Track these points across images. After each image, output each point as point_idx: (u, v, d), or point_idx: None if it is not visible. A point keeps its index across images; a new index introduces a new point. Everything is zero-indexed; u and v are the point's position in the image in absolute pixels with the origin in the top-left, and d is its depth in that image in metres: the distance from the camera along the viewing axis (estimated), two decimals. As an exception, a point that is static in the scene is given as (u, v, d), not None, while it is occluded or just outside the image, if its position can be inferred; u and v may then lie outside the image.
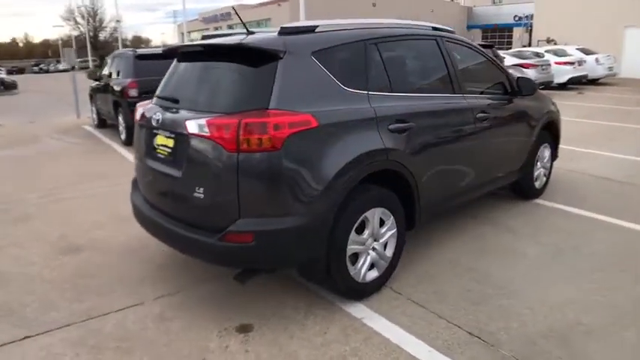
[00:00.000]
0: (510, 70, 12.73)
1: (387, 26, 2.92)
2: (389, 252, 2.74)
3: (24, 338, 2.36)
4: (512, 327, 2.38)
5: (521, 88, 3.74)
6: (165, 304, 2.65)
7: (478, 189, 3.52)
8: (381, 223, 2.65)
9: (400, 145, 2.61)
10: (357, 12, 29.57)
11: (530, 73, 12.38)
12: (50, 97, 17.43)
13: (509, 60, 12.60)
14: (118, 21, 46.18)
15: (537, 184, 4.35)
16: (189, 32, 44.58)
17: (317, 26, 2.52)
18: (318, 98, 2.30)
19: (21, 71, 53.98)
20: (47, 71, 54.30)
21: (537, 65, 12.55)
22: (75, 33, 58.24)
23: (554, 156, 4.62)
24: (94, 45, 53.01)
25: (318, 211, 2.23)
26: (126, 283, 2.90)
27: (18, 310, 2.62)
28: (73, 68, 11.39)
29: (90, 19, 60.56)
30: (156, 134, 2.58)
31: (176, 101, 2.55)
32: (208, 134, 2.17)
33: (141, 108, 2.81)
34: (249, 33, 2.64)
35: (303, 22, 2.54)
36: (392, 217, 2.68)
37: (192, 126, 2.25)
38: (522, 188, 4.27)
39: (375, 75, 2.62)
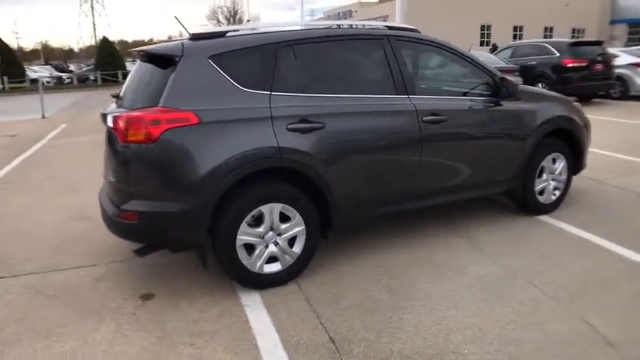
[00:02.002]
0: (623, 71, 10.96)
1: (313, 28, 2.95)
2: (297, 248, 2.81)
3: (-2, 278, 3.05)
4: (380, 341, 2.29)
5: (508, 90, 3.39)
6: (110, 269, 3.13)
7: (435, 197, 3.30)
8: (286, 218, 2.74)
9: (303, 144, 2.66)
10: (473, 6, 27.86)
11: (648, 74, 10.43)
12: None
13: (623, 58, 10.76)
14: (248, 20, 50.65)
15: (543, 199, 3.85)
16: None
17: (228, 31, 2.72)
18: (208, 98, 2.50)
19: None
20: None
21: (660, 64, 10.48)
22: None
23: (576, 169, 4.03)
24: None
25: (195, 200, 2.44)
26: (96, 249, 3.46)
27: (8, 259, 3.33)
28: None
29: (231, 18, 67.35)
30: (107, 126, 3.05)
31: (120, 99, 2.99)
32: (113, 127, 2.55)
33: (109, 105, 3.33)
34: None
35: (217, 28, 2.75)
36: (298, 214, 2.74)
37: (109, 120, 2.65)
38: (521, 202, 3.84)
39: (285, 76, 2.71)
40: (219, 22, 66.73)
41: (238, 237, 2.60)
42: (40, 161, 6.57)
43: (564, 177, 3.94)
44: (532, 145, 3.60)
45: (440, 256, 3.20)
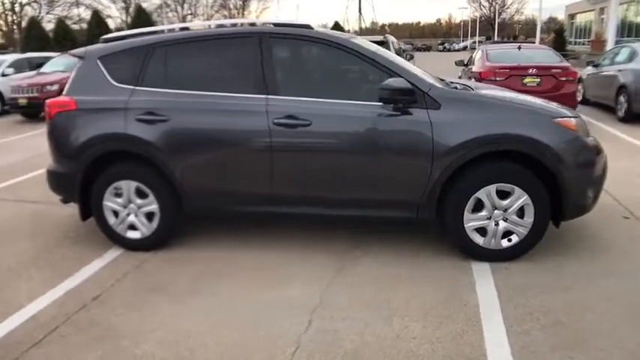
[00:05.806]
0: None
1: (194, 30, 3.23)
2: (154, 223, 3.24)
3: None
4: (88, 330, 2.44)
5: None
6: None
7: (302, 206, 3.07)
8: (145, 195, 3.21)
9: (148, 134, 3.03)
10: None
11: None
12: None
13: None
14: (501, 10, 44.75)
15: (484, 241, 2.91)
16: (571, 15, 37.50)
17: (130, 35, 3.31)
18: (89, 90, 3.20)
19: (428, 49, 62.39)
20: (449, 50, 60.04)
21: None
22: (478, 14, 61.29)
23: (560, 213, 2.76)
24: (493, 26, 54.58)
25: (69, 166, 3.23)
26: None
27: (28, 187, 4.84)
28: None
29: (493, 1, 61.70)
30: None
31: None
32: None
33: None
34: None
35: (122, 32, 3.33)
36: (151, 193, 3.17)
37: None
38: (451, 239, 2.98)
39: (151, 73, 3.11)
40: (480, 4, 62.04)
41: (104, 202, 3.25)
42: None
43: (529, 220, 2.76)
44: (448, 168, 2.74)
45: (283, 272, 2.98)
